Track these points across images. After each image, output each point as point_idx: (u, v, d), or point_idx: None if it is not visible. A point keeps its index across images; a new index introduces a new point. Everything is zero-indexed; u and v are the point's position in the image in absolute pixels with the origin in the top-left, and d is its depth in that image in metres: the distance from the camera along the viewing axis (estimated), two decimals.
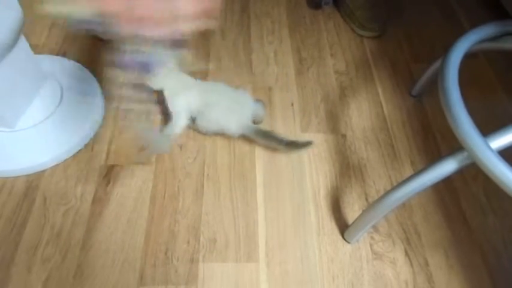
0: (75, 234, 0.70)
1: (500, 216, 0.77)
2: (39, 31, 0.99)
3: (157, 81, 0.77)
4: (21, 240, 0.69)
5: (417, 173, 0.56)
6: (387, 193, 0.60)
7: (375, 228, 0.74)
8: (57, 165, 0.78)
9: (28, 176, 0.76)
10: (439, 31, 1.08)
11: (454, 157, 0.53)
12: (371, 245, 0.72)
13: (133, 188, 0.76)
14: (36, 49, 0.95)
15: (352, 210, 0.76)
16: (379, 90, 0.95)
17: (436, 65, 0.84)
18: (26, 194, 0.74)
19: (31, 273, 0.66)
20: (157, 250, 0.69)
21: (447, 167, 0.53)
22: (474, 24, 1.08)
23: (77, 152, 0.80)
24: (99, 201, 0.74)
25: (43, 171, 0.77)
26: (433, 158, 0.84)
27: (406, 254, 0.72)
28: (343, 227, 0.74)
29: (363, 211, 0.68)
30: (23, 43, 0.74)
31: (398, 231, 0.74)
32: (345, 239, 0.72)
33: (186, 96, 0.78)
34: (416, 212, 0.77)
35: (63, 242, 0.69)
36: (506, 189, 0.47)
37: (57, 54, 0.95)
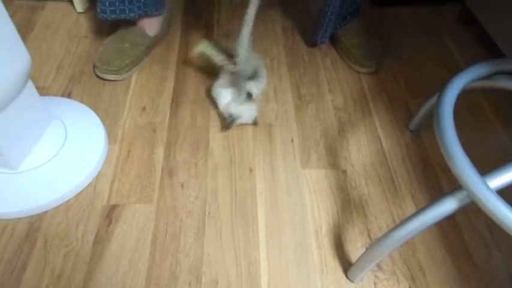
0: (76, 276, 0.70)
1: (504, 251, 0.76)
2: (46, 73, 1.03)
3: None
4: (21, 283, 0.68)
5: (417, 212, 0.56)
6: (389, 232, 0.60)
7: (379, 266, 0.73)
8: (59, 206, 0.78)
9: (30, 217, 0.76)
10: (434, 66, 1.11)
11: (453, 196, 0.53)
12: (375, 284, 0.71)
13: (134, 228, 0.76)
14: (42, 91, 0.98)
15: (355, 248, 0.76)
16: (377, 125, 0.96)
17: (432, 100, 0.86)
18: (27, 236, 0.74)
19: None
20: None
21: (447, 206, 0.53)
22: (467, 59, 1.12)
23: (79, 192, 0.80)
24: (100, 242, 0.74)
25: (45, 212, 0.77)
26: (434, 191, 0.84)
27: None
28: (346, 265, 0.73)
29: (366, 250, 0.67)
30: (30, 87, 0.77)
31: (402, 269, 0.73)
32: (348, 278, 0.71)
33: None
34: (420, 249, 0.76)
35: (63, 286, 0.68)
36: (507, 229, 0.48)
37: (62, 95, 0.98)
